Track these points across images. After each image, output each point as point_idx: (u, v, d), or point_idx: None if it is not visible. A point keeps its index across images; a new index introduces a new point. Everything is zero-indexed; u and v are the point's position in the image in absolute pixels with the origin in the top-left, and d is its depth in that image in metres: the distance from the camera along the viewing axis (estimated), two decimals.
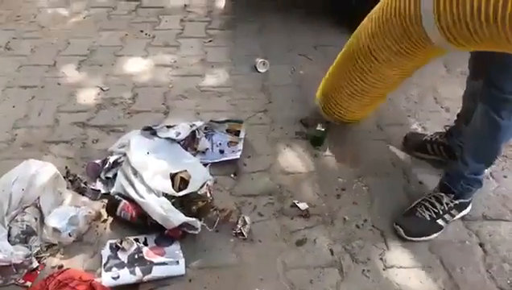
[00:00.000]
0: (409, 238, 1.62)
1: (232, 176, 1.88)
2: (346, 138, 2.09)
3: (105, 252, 1.54)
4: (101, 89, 2.39)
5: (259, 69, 2.50)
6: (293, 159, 1.98)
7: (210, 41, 2.81)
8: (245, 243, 1.63)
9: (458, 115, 1.90)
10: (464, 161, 1.66)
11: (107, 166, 1.83)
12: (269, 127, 2.14)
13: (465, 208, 1.72)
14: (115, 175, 1.80)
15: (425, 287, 1.50)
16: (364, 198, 1.80)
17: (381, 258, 1.57)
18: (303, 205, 1.74)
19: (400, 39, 1.53)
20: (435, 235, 1.65)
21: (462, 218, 1.72)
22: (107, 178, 1.82)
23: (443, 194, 1.69)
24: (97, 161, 1.87)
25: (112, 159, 1.85)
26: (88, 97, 2.34)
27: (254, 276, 1.51)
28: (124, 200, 1.65)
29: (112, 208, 1.67)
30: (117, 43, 2.79)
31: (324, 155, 2.00)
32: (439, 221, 1.66)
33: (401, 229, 1.63)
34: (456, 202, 1.68)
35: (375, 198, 1.80)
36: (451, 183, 1.70)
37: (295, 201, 1.76)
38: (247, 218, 1.68)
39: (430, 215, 1.66)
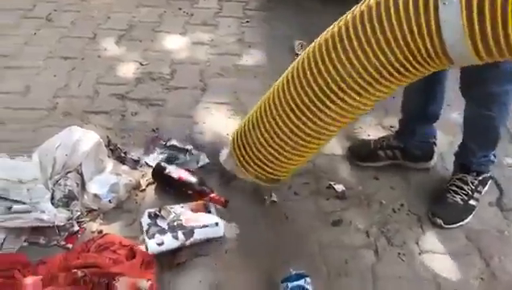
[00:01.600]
0: (448, 226, 1.61)
1: None
2: None
3: (145, 220, 1.57)
4: (140, 63, 2.42)
5: (297, 51, 2.50)
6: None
7: (247, 21, 2.81)
8: (281, 220, 1.64)
9: (403, 112, 1.82)
10: (470, 149, 1.68)
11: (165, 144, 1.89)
12: None
13: (488, 181, 1.73)
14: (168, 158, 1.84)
15: (461, 274, 1.49)
16: (401, 183, 1.79)
17: (416, 243, 1.57)
18: (339, 187, 1.74)
19: (394, 57, 1.19)
20: (470, 217, 1.65)
21: (500, 208, 1.71)
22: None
23: (465, 175, 1.69)
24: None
25: (173, 142, 1.89)
26: (127, 70, 2.37)
27: (289, 253, 1.52)
28: (170, 167, 1.71)
29: (158, 172, 1.72)
30: (155, 19, 2.81)
31: (361, 138, 2.00)
32: (472, 202, 1.67)
33: (439, 220, 1.62)
34: (480, 178, 1.69)
35: (412, 183, 1.79)
36: (468, 163, 1.70)
37: (331, 183, 1.77)
38: (274, 196, 1.69)
39: (461, 198, 1.66)
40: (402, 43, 1.15)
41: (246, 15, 2.87)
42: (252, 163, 1.54)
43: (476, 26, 1.05)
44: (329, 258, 1.52)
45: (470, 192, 1.67)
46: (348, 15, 1.27)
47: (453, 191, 1.67)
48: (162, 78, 2.32)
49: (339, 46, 1.25)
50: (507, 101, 1.57)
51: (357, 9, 1.26)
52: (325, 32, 1.34)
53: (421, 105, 1.71)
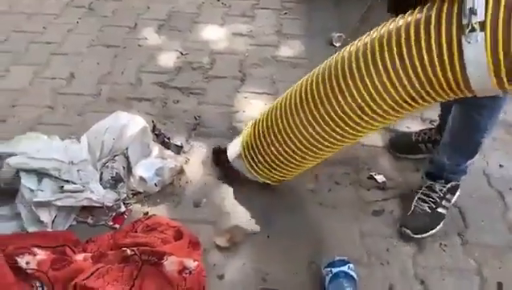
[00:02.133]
0: (417, 236, 1.55)
1: None
2: None
3: None
4: (181, 52, 2.46)
5: (335, 43, 2.50)
6: None
7: (286, 13, 2.82)
8: (322, 209, 1.66)
9: (442, 106, 1.78)
10: (445, 156, 1.60)
11: None
12: None
13: (457, 190, 1.65)
14: None
15: (504, 269, 1.49)
16: None
17: (459, 234, 1.57)
18: (380, 178, 1.75)
19: (414, 90, 1.21)
20: (440, 226, 1.58)
21: None
22: None
23: (433, 182, 1.63)
24: None
25: None
26: (167, 59, 2.41)
27: (331, 240, 1.55)
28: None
29: (218, 155, 1.78)
30: (194, 10, 2.85)
31: (401, 130, 2.00)
32: (440, 210, 1.60)
33: (407, 230, 1.55)
34: (448, 186, 1.62)
35: None
36: (436, 171, 1.64)
37: (372, 173, 1.78)
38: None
39: (429, 206, 1.60)
40: (423, 77, 1.17)
41: (284, 7, 2.88)
42: (262, 167, 1.59)
43: (503, 66, 1.06)
44: (370, 246, 1.53)
45: (438, 200, 1.60)
46: (367, 38, 1.28)
47: (421, 200, 1.62)
48: (202, 68, 2.36)
49: (356, 72, 1.27)
50: (498, 110, 1.49)
51: (375, 34, 1.26)
52: (347, 48, 1.34)
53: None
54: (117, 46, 2.50)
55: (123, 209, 1.63)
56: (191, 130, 1.98)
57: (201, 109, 2.10)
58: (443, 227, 1.58)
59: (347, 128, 1.36)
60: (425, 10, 1.17)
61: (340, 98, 1.32)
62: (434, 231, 1.56)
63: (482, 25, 1.05)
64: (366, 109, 1.29)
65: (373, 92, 1.25)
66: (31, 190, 1.44)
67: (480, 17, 1.05)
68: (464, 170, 1.63)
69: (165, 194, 1.69)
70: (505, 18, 1.03)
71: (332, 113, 1.35)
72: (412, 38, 1.16)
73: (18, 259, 1.39)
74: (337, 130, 1.38)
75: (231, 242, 1.54)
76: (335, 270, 1.37)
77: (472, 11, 1.05)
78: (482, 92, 1.18)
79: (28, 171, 1.45)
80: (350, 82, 1.29)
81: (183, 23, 2.71)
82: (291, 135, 1.46)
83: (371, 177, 1.77)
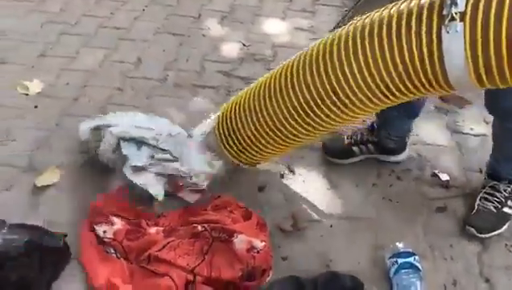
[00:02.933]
0: (482, 235, 1.54)
1: None
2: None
3: None
4: (243, 44, 2.52)
5: None
6: (432, 130, 1.99)
7: (346, 10, 2.84)
8: (385, 202, 1.68)
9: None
10: (498, 161, 1.61)
11: None
12: None
13: None
14: None
15: None
16: None
17: None
18: (443, 176, 1.76)
19: (391, 80, 1.21)
20: (505, 227, 1.57)
21: None
22: None
23: (497, 182, 1.61)
24: None
25: None
26: (231, 50, 2.47)
27: (394, 233, 1.56)
28: None
29: None
30: (255, 3, 2.90)
31: (465, 131, 1.99)
32: (506, 209, 1.58)
33: (471, 229, 1.55)
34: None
35: None
36: (498, 171, 1.62)
37: (436, 171, 1.78)
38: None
39: (494, 206, 1.58)
40: (401, 67, 1.15)
41: (345, 4, 2.90)
42: (235, 148, 1.58)
43: (481, 60, 1.05)
44: (434, 241, 1.54)
45: (503, 200, 1.58)
46: (350, 27, 1.27)
47: (485, 199, 1.60)
48: (264, 60, 2.41)
49: (335, 56, 1.26)
50: None
51: (358, 23, 1.26)
52: (330, 35, 1.35)
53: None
54: (181, 34, 2.58)
55: (203, 186, 1.65)
56: None
57: None
58: (509, 228, 1.58)
59: (320, 114, 1.35)
60: (408, 1, 1.17)
61: (317, 81, 1.31)
62: (500, 231, 1.55)
63: (462, 15, 1.04)
64: (341, 94, 1.28)
65: (349, 77, 1.24)
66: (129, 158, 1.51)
67: (460, 7, 1.04)
68: None
69: (231, 177, 1.74)
70: (485, 10, 1.02)
71: (308, 96, 1.34)
72: (393, 28, 1.15)
73: (96, 228, 1.47)
74: (311, 115, 1.36)
75: (295, 226, 1.58)
76: (400, 260, 1.38)
77: (454, 2, 1.05)
78: (460, 86, 1.16)
79: (128, 140, 1.53)
80: (329, 66, 1.28)
81: (245, 16, 2.77)
82: (266, 117, 1.45)
83: (434, 175, 1.77)
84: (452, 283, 1.43)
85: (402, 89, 1.21)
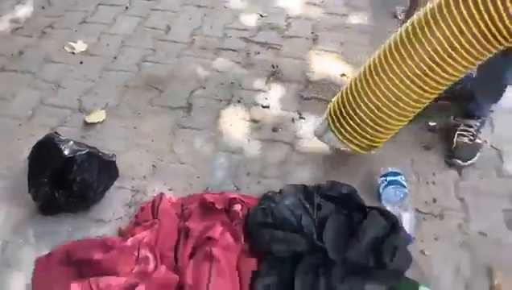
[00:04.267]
0: (465, 163, 1.84)
1: None
2: None
3: None
4: (260, 15, 2.81)
5: (398, 16, 2.79)
6: None
7: None
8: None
9: None
10: (479, 103, 1.90)
11: None
12: None
13: (484, 124, 1.95)
14: None
15: None
16: None
17: (495, 169, 1.86)
18: (431, 123, 2.05)
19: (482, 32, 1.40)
20: (479, 153, 1.87)
21: None
22: None
23: (469, 119, 1.92)
24: None
25: None
26: (249, 20, 2.77)
27: (387, 164, 1.85)
28: None
29: None
30: None
31: None
32: (477, 140, 1.90)
33: (457, 160, 1.84)
34: (480, 120, 1.92)
35: None
36: (473, 111, 1.92)
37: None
38: None
39: (469, 139, 1.89)
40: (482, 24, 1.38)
41: None
42: (355, 134, 1.70)
43: None
44: (419, 169, 1.85)
45: (475, 133, 1.90)
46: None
47: (461, 135, 1.89)
48: (279, 28, 2.70)
49: (434, 23, 1.45)
50: None
51: None
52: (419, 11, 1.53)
53: None
54: (205, 6, 2.87)
55: None
56: (270, 75, 2.34)
57: (278, 60, 2.44)
58: (480, 159, 1.87)
59: (431, 75, 1.51)
60: None
61: (425, 44, 1.48)
62: (476, 158, 1.87)
63: None
64: (444, 54, 1.46)
65: (449, 35, 1.44)
66: None
67: None
68: (493, 109, 1.95)
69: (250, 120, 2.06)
70: None
71: (419, 61, 1.50)
72: None
73: None
74: (424, 78, 1.52)
75: None
76: (389, 178, 1.69)
77: None
78: None
79: None
80: (434, 28, 1.46)
81: None
82: (377, 94, 1.59)
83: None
84: (431, 200, 1.74)
85: (492, 41, 1.41)
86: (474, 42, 1.42)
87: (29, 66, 2.36)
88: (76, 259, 1.45)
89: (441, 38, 1.46)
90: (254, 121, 2.08)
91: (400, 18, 2.78)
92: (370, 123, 1.65)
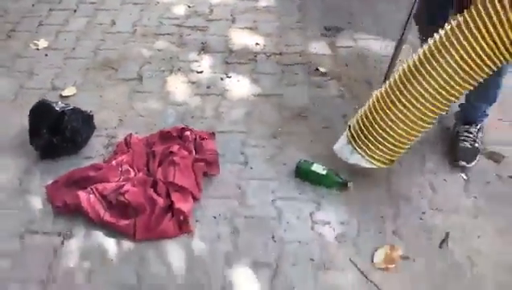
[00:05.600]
0: (469, 165, 2.09)
1: None
2: None
3: None
4: (188, 6, 3.46)
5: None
6: None
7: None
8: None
9: None
10: (475, 107, 2.14)
11: None
12: None
13: (482, 130, 2.21)
14: None
15: None
16: None
17: None
18: (322, 69, 2.78)
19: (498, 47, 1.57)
20: (478, 156, 2.13)
21: None
22: None
23: (468, 126, 2.16)
24: None
25: None
26: (179, 10, 3.40)
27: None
28: None
29: None
30: None
31: None
32: (477, 145, 2.13)
33: (463, 162, 2.09)
34: (478, 127, 2.17)
35: None
36: (470, 117, 2.17)
37: (318, 67, 2.80)
38: None
39: (470, 143, 2.12)
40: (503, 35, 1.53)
41: None
42: (378, 152, 1.88)
43: None
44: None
45: (474, 138, 2.13)
46: (451, 25, 1.66)
47: (462, 140, 2.12)
48: (204, 14, 3.36)
49: (457, 39, 1.61)
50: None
51: (457, 19, 1.64)
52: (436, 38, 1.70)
53: None
54: (141, 3, 3.48)
55: None
56: (200, 49, 2.99)
57: (206, 38, 3.10)
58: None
59: (453, 84, 1.67)
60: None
61: (446, 59, 1.64)
62: (476, 160, 2.12)
63: None
64: (465, 66, 1.62)
65: (469, 49, 1.61)
66: None
67: None
68: (488, 113, 2.17)
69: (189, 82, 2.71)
70: None
71: (432, 83, 1.69)
72: (485, 15, 1.54)
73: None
74: (447, 88, 1.68)
75: None
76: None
77: None
78: None
79: None
80: (456, 44, 1.62)
81: None
82: (394, 110, 1.77)
83: (317, 69, 2.79)
84: (342, 116, 2.45)
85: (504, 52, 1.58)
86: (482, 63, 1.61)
87: (2, 62, 2.88)
88: (76, 179, 2.03)
89: (452, 62, 1.64)
90: (192, 82, 2.73)
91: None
92: (392, 140, 1.84)
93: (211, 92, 2.67)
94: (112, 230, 1.90)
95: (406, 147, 1.91)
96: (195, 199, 1.97)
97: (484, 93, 2.07)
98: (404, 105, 1.76)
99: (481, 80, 1.70)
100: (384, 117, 1.81)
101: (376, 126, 1.84)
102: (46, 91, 2.64)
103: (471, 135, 2.14)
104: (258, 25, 3.23)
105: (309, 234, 1.90)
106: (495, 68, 1.65)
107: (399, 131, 1.81)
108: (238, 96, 2.63)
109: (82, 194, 1.93)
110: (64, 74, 2.79)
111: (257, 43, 3.04)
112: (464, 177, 2.12)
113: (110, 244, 1.87)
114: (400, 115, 1.78)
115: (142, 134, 2.35)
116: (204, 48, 3.01)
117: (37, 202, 2.03)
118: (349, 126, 1.96)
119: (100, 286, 1.74)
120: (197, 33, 3.16)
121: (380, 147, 1.87)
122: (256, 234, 1.90)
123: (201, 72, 2.81)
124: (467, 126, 2.17)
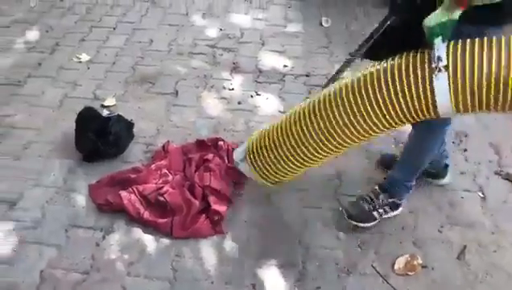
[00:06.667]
0: (349, 220, 2.04)
1: None
2: None
3: None
4: (220, 29, 3.67)
5: (324, 24, 3.72)
6: None
7: (289, 7, 4.04)
8: None
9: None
10: (398, 171, 2.06)
11: None
12: None
13: (397, 209, 2.08)
14: None
15: None
16: None
17: None
18: None
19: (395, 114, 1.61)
20: (370, 224, 2.03)
21: None
22: None
23: (380, 191, 2.06)
24: None
25: None
26: (212, 32, 3.62)
27: None
28: None
29: None
30: (226, 3, 4.08)
31: None
32: (374, 213, 2.04)
33: (345, 213, 2.05)
34: (390, 201, 2.05)
35: None
36: (389, 184, 2.07)
37: None
38: None
39: (368, 207, 2.03)
40: (400, 106, 1.59)
41: (288, 3, 4.10)
42: (265, 171, 2.01)
43: (460, 96, 1.50)
44: None
45: (377, 206, 2.03)
46: (358, 76, 1.70)
47: (365, 199, 2.04)
48: (235, 37, 3.57)
49: (346, 102, 1.69)
50: (441, 137, 1.95)
51: (366, 71, 1.69)
52: (337, 84, 1.78)
53: None
54: (176, 25, 3.71)
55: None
56: (232, 69, 3.18)
57: (237, 59, 3.30)
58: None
59: (345, 139, 1.75)
60: (402, 57, 1.59)
61: (345, 118, 1.70)
62: (364, 225, 2.03)
63: (446, 67, 1.49)
64: (358, 127, 1.69)
65: (359, 118, 1.68)
66: None
67: (444, 62, 1.49)
68: (409, 189, 2.06)
69: (221, 98, 2.89)
70: (460, 65, 1.47)
71: (327, 130, 1.76)
72: (396, 77, 1.58)
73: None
74: (329, 142, 1.77)
75: None
76: None
77: (440, 58, 1.50)
78: (446, 115, 1.61)
79: None
80: (354, 108, 1.68)
81: (219, 12, 3.93)
82: (301, 146, 1.84)
83: None
84: None
85: (403, 120, 1.64)
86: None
87: (49, 72, 3.10)
88: (118, 180, 2.20)
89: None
90: (224, 98, 2.91)
91: (325, 25, 3.72)
92: (281, 167, 1.96)
93: (241, 108, 2.84)
94: (150, 228, 2.05)
95: (294, 174, 2.02)
96: (229, 203, 2.12)
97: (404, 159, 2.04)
98: (300, 138, 1.84)
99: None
100: (282, 144, 1.90)
101: (272, 150, 1.93)
102: (88, 100, 2.84)
103: (375, 201, 2.05)
104: (287, 48, 3.42)
105: (334, 240, 2.04)
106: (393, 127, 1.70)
107: (293, 160, 1.91)
108: (267, 112, 2.80)
109: (124, 193, 2.09)
110: (105, 86, 2.99)
111: (285, 65, 3.23)
112: (481, 195, 2.24)
113: (149, 240, 2.02)
114: (295, 146, 1.87)
115: (178, 144, 2.52)
116: (235, 68, 3.20)
117: (81, 200, 2.20)
118: (251, 139, 2.06)
119: (139, 276, 1.89)
120: (229, 54, 3.36)
121: (269, 168, 1.99)
122: (283, 238, 2.04)
123: (232, 89, 3.00)
124: (379, 191, 2.07)
